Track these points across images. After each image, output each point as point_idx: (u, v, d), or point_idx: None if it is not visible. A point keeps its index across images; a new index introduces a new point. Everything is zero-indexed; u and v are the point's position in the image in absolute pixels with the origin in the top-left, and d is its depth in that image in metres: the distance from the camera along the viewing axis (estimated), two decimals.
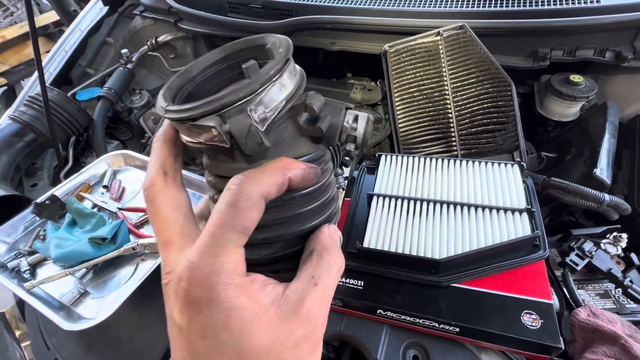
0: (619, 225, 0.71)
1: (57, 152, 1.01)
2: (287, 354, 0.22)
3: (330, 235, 0.26)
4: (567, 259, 0.67)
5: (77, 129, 1.07)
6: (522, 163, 0.67)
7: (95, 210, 0.83)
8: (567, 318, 0.62)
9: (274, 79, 0.23)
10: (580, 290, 0.67)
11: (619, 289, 0.66)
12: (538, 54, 0.85)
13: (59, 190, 0.88)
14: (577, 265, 0.66)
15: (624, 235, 0.68)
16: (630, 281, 0.65)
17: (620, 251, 0.69)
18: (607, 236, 0.70)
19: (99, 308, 0.67)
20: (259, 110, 0.22)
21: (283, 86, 0.23)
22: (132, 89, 1.39)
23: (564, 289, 0.65)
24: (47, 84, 1.01)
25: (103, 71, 1.33)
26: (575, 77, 0.86)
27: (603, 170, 0.71)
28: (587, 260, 0.67)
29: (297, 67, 0.26)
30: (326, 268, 0.25)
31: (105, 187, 0.91)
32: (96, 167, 0.96)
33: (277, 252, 0.27)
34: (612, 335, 0.52)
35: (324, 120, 0.25)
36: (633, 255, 0.68)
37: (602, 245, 0.69)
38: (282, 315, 0.22)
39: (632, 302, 0.66)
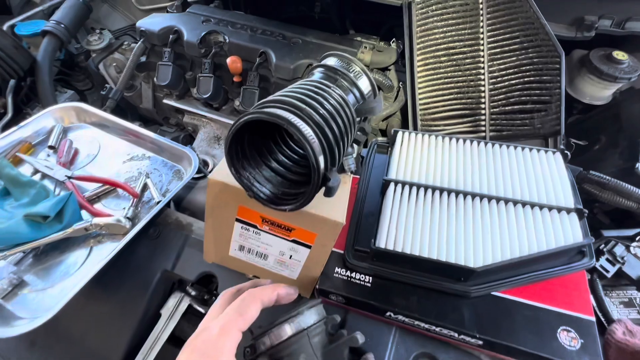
0: None
1: None
2: None
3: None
4: (597, 264, 0.59)
5: (15, 71, 0.86)
6: (565, 151, 0.56)
7: (36, 177, 0.66)
8: None
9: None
10: (604, 297, 0.60)
11: None
12: (584, 21, 0.72)
13: None
14: (607, 272, 0.59)
15: None
16: None
17: None
18: (638, 239, 0.63)
19: (38, 304, 0.53)
20: None
21: None
22: (90, 28, 1.15)
23: (591, 298, 0.58)
24: None
25: (51, 0, 1.07)
26: (619, 54, 0.75)
27: None
28: (618, 266, 0.60)
29: None
30: None
31: (51, 147, 0.73)
32: (40, 122, 0.77)
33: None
34: None
35: None
36: None
37: (632, 249, 0.63)
38: None
39: None
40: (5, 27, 0.95)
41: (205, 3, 1.09)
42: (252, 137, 0.41)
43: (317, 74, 0.47)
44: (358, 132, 0.50)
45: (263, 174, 0.43)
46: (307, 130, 0.34)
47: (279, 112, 0.34)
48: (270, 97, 0.37)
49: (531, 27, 0.60)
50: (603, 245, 0.62)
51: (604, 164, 0.70)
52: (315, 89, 0.40)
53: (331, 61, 0.47)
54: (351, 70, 0.46)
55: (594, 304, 0.58)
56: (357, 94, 0.46)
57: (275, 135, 0.45)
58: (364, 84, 0.47)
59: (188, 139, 1.08)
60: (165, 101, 0.97)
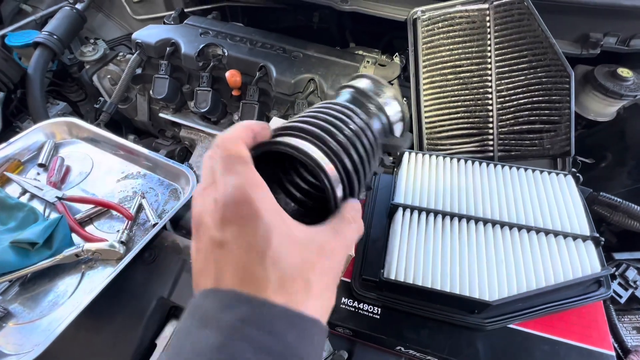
0: None
1: None
2: (314, 277, 0.24)
3: (352, 207, 0.30)
4: None
5: (5, 85, 0.83)
6: (577, 174, 0.55)
7: (24, 198, 0.63)
8: None
9: None
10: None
11: None
12: (589, 38, 0.71)
13: None
14: (620, 297, 0.57)
15: None
16: None
17: None
18: None
19: (25, 338, 0.50)
20: None
21: None
22: (84, 37, 1.12)
23: None
24: None
25: (44, 9, 1.05)
26: (624, 71, 0.74)
27: None
28: (631, 291, 0.58)
29: None
30: (346, 224, 0.28)
31: (41, 165, 0.70)
32: (30, 138, 0.74)
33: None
34: None
35: None
36: None
37: None
38: (309, 246, 0.25)
39: None
40: None
41: (203, 14, 1.07)
42: (258, 167, 0.38)
43: (345, 95, 0.41)
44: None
45: (281, 205, 0.39)
46: (324, 161, 0.31)
47: (293, 142, 0.31)
48: (283, 124, 0.35)
49: (540, 46, 0.59)
50: (615, 269, 0.60)
51: (612, 183, 0.69)
52: (339, 112, 0.36)
53: (360, 83, 0.42)
54: (381, 95, 0.41)
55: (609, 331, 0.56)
56: (385, 121, 0.41)
57: (284, 163, 0.42)
58: (393, 110, 0.41)
59: (185, 152, 1.05)
60: (161, 114, 0.95)
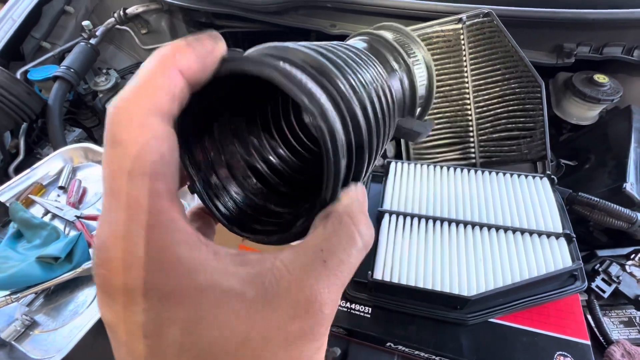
0: None
1: (1, 146, 0.84)
2: (274, 354, 0.14)
3: (358, 197, 0.18)
4: (593, 285, 0.60)
5: (29, 116, 0.91)
6: (552, 176, 0.59)
7: (47, 218, 0.69)
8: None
9: None
10: (603, 317, 0.61)
11: None
12: (563, 49, 0.76)
13: (4, 191, 0.73)
14: (604, 292, 0.60)
15: None
16: None
17: None
18: (632, 257, 0.65)
19: (50, 344, 0.55)
20: None
21: None
22: (97, 68, 1.22)
23: (589, 319, 0.59)
24: None
25: (62, 45, 1.14)
26: (600, 77, 0.78)
27: (633, 185, 0.65)
28: (614, 286, 0.61)
29: None
30: (346, 241, 0.17)
31: (61, 187, 0.77)
32: (51, 163, 0.81)
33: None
34: None
35: None
36: None
37: (627, 267, 0.64)
38: (266, 299, 0.14)
39: None
40: (18, 73, 1.01)
41: None
42: (229, 112, 0.23)
43: (361, 43, 0.30)
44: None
45: (234, 174, 0.23)
46: (329, 110, 0.17)
47: (283, 67, 0.16)
48: (272, 45, 0.20)
49: (511, 59, 0.64)
50: (598, 265, 0.63)
51: (594, 183, 0.72)
52: (352, 55, 0.23)
53: (386, 32, 0.31)
54: (410, 53, 0.30)
55: (593, 325, 0.58)
56: (407, 89, 0.29)
57: (268, 114, 0.26)
58: (420, 78, 0.30)
59: None
60: None
